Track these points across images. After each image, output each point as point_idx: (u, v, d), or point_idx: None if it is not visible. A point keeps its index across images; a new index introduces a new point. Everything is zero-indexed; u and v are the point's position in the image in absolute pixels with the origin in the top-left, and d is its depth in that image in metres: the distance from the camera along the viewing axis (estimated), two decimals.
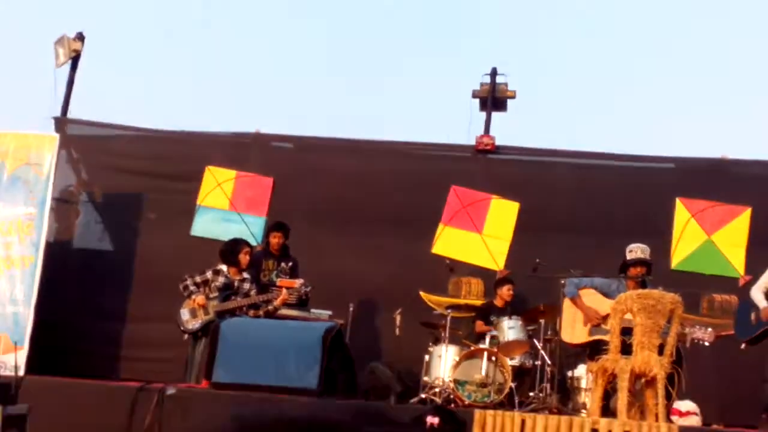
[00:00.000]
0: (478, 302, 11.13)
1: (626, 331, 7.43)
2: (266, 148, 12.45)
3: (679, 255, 11.47)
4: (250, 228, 11.70)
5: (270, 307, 9.21)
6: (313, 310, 9.87)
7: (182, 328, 9.17)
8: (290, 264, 10.08)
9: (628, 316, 7.34)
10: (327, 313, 9.88)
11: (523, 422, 6.42)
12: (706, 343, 8.50)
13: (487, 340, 9.66)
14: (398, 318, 10.21)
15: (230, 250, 9.46)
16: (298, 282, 9.55)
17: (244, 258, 9.40)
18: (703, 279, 11.29)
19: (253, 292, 9.29)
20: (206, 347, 8.28)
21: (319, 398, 6.90)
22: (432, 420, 2.94)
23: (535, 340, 9.72)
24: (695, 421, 8.63)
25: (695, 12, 21.81)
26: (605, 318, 8.46)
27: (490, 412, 6.69)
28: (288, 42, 23.11)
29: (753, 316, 8.98)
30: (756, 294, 9.03)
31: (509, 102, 12.51)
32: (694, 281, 11.19)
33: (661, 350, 7.18)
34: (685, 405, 8.67)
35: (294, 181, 12.00)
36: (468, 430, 6.24)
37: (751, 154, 12.40)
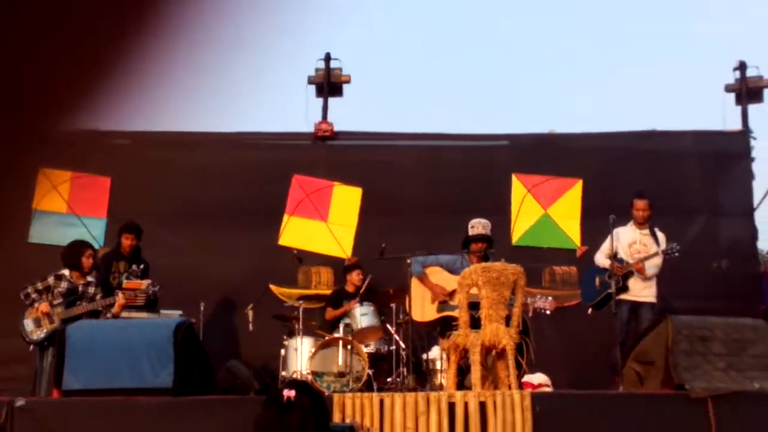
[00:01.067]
0: (328, 291, 11.12)
1: (473, 306, 7.47)
2: (102, 146, 11.94)
3: (519, 230, 11.78)
4: (90, 230, 11.25)
5: (109, 315, 8.89)
6: (162, 311, 9.60)
7: (27, 340, 8.75)
8: (141, 266, 9.77)
9: (474, 290, 7.39)
10: (177, 312, 9.60)
11: (381, 402, 6.43)
12: (548, 312, 8.76)
13: (341, 328, 9.66)
14: (250, 313, 10.09)
15: (72, 253, 9.09)
16: (144, 283, 9.28)
17: (87, 261, 9.05)
18: (543, 252, 11.66)
19: (98, 296, 8.96)
20: (54, 355, 7.93)
21: (174, 397, 6.69)
22: (288, 393, 2.92)
23: (388, 325, 9.78)
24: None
25: None
26: (452, 294, 8.57)
27: (349, 394, 6.68)
28: None
29: (597, 280, 9.33)
30: (600, 258, 9.39)
31: (345, 87, 12.47)
32: (535, 255, 11.54)
33: (507, 321, 7.26)
34: (537, 377, 8.89)
35: (134, 178, 11.60)
36: (329, 413, 6.20)
37: (578, 128, 12.90)
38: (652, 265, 9.15)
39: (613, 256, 9.20)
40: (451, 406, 6.37)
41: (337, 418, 6.23)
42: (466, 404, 6.38)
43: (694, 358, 6.76)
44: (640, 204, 9.37)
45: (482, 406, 6.37)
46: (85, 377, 6.87)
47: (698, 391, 6.47)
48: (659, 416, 6.52)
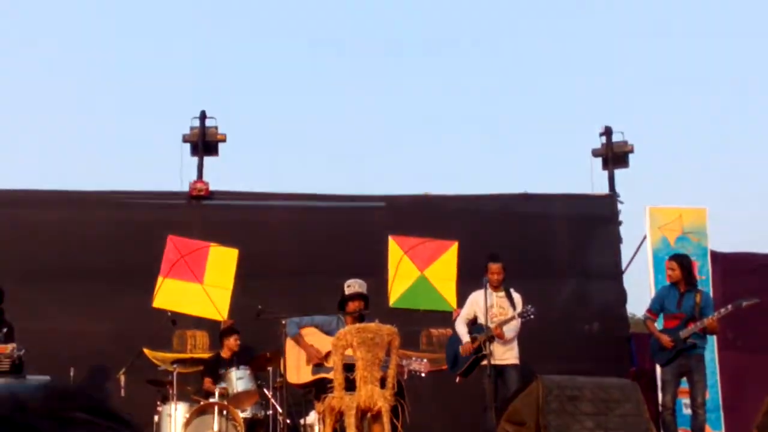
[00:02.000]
0: (205, 355, 10.95)
1: (349, 368, 7.47)
2: None
3: (396, 292, 11.79)
4: None
5: None
6: (29, 377, 9.28)
7: None
8: (5, 329, 9.42)
9: (349, 351, 7.37)
10: (45, 378, 9.28)
11: None
12: (422, 374, 8.80)
13: (216, 392, 9.49)
14: (122, 378, 9.78)
15: None
16: (9, 347, 8.94)
17: None
18: (420, 315, 11.72)
19: None
20: None
21: None
22: None
23: (265, 389, 9.67)
24: None
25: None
26: (327, 355, 8.53)
27: None
28: None
29: (461, 349, 9.44)
30: (459, 327, 9.53)
31: (220, 146, 12.42)
32: (411, 317, 11.59)
33: (383, 383, 7.26)
34: None
35: (0, 238, 11.26)
36: None
37: (452, 190, 13.13)
38: (510, 329, 9.31)
39: (473, 322, 9.34)
40: None
41: None
42: None
43: (563, 418, 6.88)
44: (494, 267, 9.52)
45: None
46: None
47: None
48: None
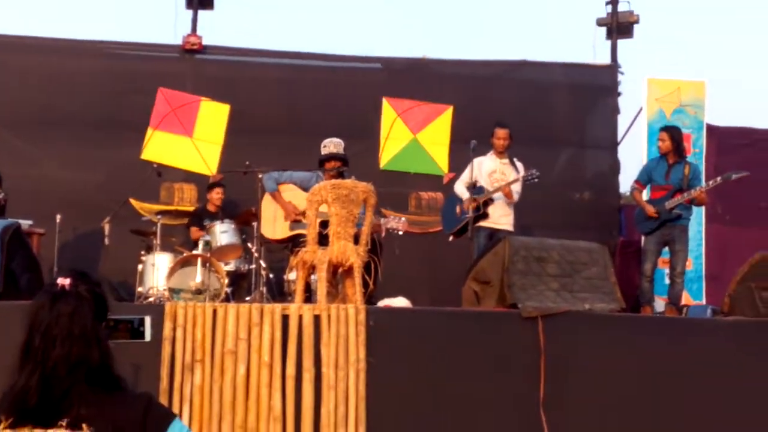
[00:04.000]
0: (191, 208, 10.97)
1: (325, 224, 7.42)
2: None
3: (387, 154, 11.78)
4: None
5: None
6: (10, 220, 9.33)
7: None
8: None
9: (324, 208, 7.34)
10: (28, 222, 9.31)
11: (215, 312, 6.36)
12: (400, 232, 8.77)
13: (200, 245, 9.54)
14: (107, 227, 9.83)
15: None
16: None
17: None
18: (411, 177, 11.71)
19: None
20: None
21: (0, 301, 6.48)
22: (63, 281, 2.86)
23: (249, 244, 9.71)
24: None
25: None
26: (304, 212, 8.47)
27: (181, 303, 6.56)
28: None
29: (458, 209, 9.43)
30: (459, 188, 9.49)
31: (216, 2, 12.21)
32: (402, 180, 11.61)
33: (356, 240, 7.25)
34: (398, 301, 8.91)
35: None
36: (160, 324, 6.11)
37: (451, 54, 12.90)
38: (514, 191, 9.28)
39: (473, 186, 9.31)
40: (286, 319, 6.35)
41: (167, 327, 6.14)
42: (300, 317, 6.36)
43: (528, 278, 6.86)
44: (500, 133, 9.47)
45: (317, 319, 6.36)
46: None
47: (530, 310, 6.59)
48: (492, 334, 6.60)
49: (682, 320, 8.39)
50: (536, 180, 9.29)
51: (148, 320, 3.21)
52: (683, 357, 6.78)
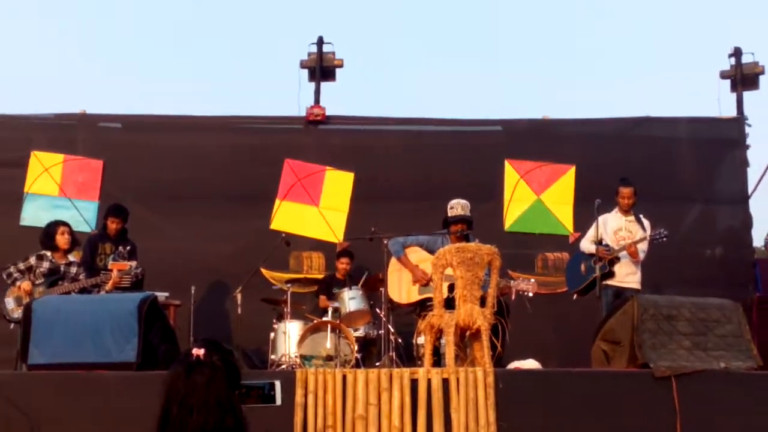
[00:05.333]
0: (319, 276, 11.16)
1: (451, 288, 7.44)
2: (94, 129, 12.05)
3: (512, 216, 11.79)
4: (82, 213, 11.33)
5: (102, 292, 8.94)
6: (148, 293, 9.66)
7: (8, 318, 8.79)
8: (128, 248, 9.78)
9: (449, 271, 7.36)
10: (164, 294, 9.63)
11: (344, 378, 6.44)
12: (530, 294, 8.73)
13: (330, 312, 9.69)
14: (239, 297, 10.12)
15: (46, 233, 9.11)
16: (129, 264, 9.27)
17: (61, 239, 9.05)
18: (536, 238, 11.67)
19: (81, 276, 9.01)
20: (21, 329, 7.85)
21: (138, 371, 6.70)
22: (197, 351, 2.95)
23: (377, 309, 9.81)
24: None
25: None
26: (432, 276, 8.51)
27: (312, 370, 6.69)
28: (101, 21, 22.47)
29: (583, 266, 9.34)
30: (585, 245, 9.41)
31: (338, 71, 12.49)
32: (527, 241, 11.57)
33: (483, 302, 7.25)
34: (528, 363, 8.84)
35: (125, 162, 11.69)
36: (292, 390, 6.22)
37: (572, 114, 12.88)
38: (639, 250, 9.15)
39: (599, 243, 9.22)
40: (415, 383, 6.39)
41: (299, 393, 6.25)
42: (429, 381, 6.40)
43: (659, 337, 6.74)
44: (625, 191, 9.37)
45: (445, 383, 6.38)
46: (49, 351, 6.85)
47: (662, 369, 6.46)
48: (624, 394, 6.50)
49: None
50: (664, 239, 9.14)
51: (278, 385, 3.31)
52: None
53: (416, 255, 9.07)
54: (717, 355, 6.76)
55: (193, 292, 10.24)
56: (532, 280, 8.99)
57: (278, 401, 3.43)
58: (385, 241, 9.02)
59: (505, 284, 8.47)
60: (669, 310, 6.90)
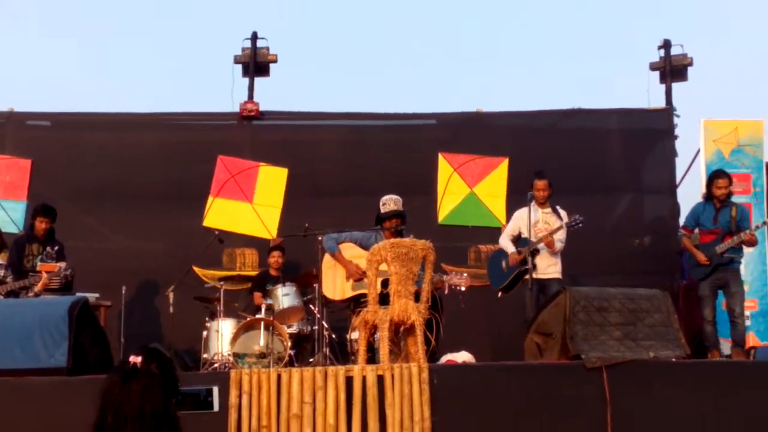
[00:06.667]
0: (252, 273, 11.10)
1: (385, 283, 7.41)
2: (22, 127, 11.84)
3: (445, 209, 11.84)
4: (10, 214, 11.11)
5: (30, 294, 8.79)
6: (79, 295, 9.52)
7: None
8: (56, 248, 9.62)
9: (383, 266, 7.34)
10: (95, 295, 9.49)
11: (279, 377, 6.41)
12: (462, 289, 8.76)
13: (263, 309, 9.63)
14: (171, 296, 10.00)
15: None
16: (59, 265, 9.13)
17: None
18: (469, 231, 11.73)
19: (9, 279, 8.84)
20: None
21: (69, 376, 6.58)
22: (134, 359, 2.93)
23: (311, 306, 9.78)
24: None
25: None
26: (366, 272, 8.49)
27: (246, 370, 6.65)
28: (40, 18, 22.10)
29: (503, 263, 9.39)
30: (504, 241, 9.47)
31: (272, 66, 12.42)
32: (461, 234, 11.63)
33: (417, 297, 7.27)
34: (462, 356, 8.89)
35: (54, 160, 11.53)
36: (226, 391, 6.18)
37: (505, 107, 12.97)
38: (557, 240, 9.20)
39: (517, 238, 9.29)
40: (350, 380, 6.38)
41: (233, 395, 6.21)
42: (364, 378, 6.39)
43: (590, 329, 6.82)
44: (539, 184, 9.40)
45: (380, 379, 6.39)
46: None
47: (593, 360, 6.54)
48: (556, 386, 6.56)
49: (753, 364, 8.27)
50: (580, 225, 9.17)
51: (215, 391, 3.28)
52: (755, 401, 6.65)
53: (351, 251, 9.04)
54: (647, 344, 6.85)
55: (123, 292, 10.09)
56: (465, 274, 9.04)
57: (216, 407, 3.39)
58: (320, 238, 8.98)
59: (438, 279, 8.47)
60: (600, 301, 6.98)
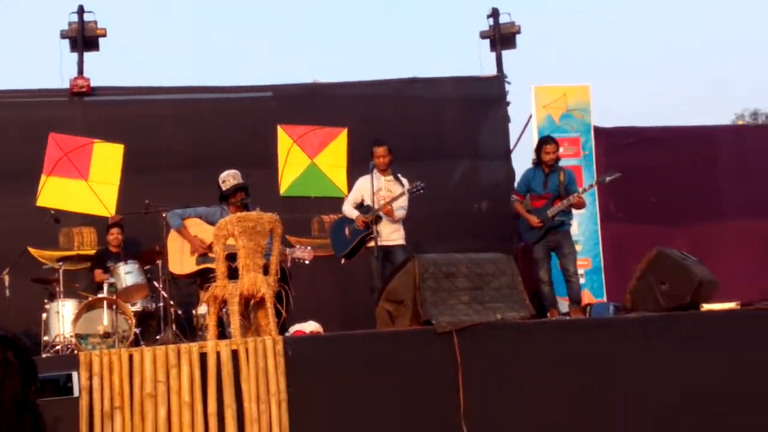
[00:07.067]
0: (92, 252, 10.83)
1: (232, 257, 7.41)
2: None
3: (287, 181, 11.85)
4: None
5: None
6: None
7: None
8: None
9: (231, 241, 7.32)
10: None
11: (130, 357, 6.31)
12: (306, 262, 8.85)
13: (105, 288, 9.42)
14: (7, 278, 9.71)
15: None
16: None
17: None
18: (312, 202, 11.77)
19: None
20: None
21: None
22: None
23: (155, 282, 9.65)
24: None
25: None
26: (211, 246, 8.42)
27: (96, 352, 6.48)
28: None
29: (347, 230, 9.46)
30: (347, 208, 9.53)
31: (101, 41, 12.08)
32: (303, 205, 11.65)
33: (266, 270, 7.28)
34: (309, 326, 8.95)
35: None
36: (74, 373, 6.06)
37: (342, 77, 13.04)
38: (399, 207, 9.31)
39: (359, 206, 9.38)
40: (203, 357, 6.34)
41: (83, 377, 6.07)
42: (218, 354, 6.36)
43: (440, 294, 6.99)
44: (379, 151, 9.44)
45: (235, 354, 6.37)
46: None
47: (444, 325, 6.70)
48: (409, 352, 6.69)
49: (593, 321, 8.67)
50: (422, 191, 9.28)
51: (75, 376, 3.22)
52: (596, 356, 6.97)
53: (197, 228, 8.95)
54: (494, 307, 7.07)
55: None
56: (309, 247, 9.10)
57: (76, 393, 3.32)
58: (164, 214, 8.85)
59: (281, 251, 8.47)
60: (448, 267, 7.15)
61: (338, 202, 11.58)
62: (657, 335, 7.18)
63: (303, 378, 6.41)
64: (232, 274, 7.36)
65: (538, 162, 9.56)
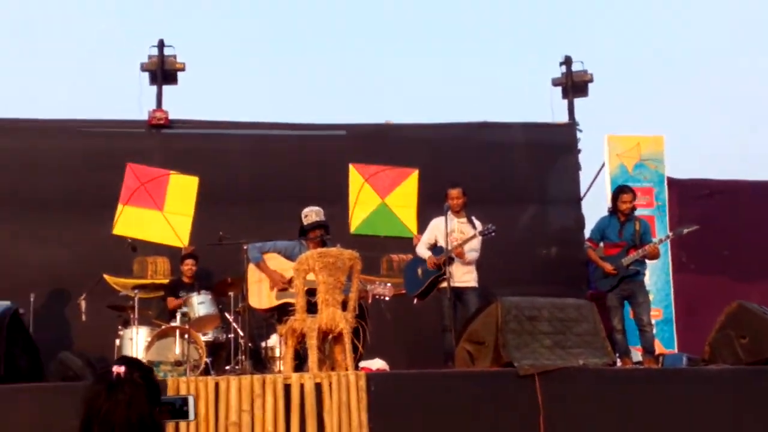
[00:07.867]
0: (165, 281, 10.98)
1: (311, 292, 7.49)
2: None
3: (357, 219, 11.94)
4: None
5: None
6: (7, 304, 9.27)
7: None
8: None
9: (311, 276, 7.41)
10: (5, 304, 9.25)
11: (216, 385, 6.39)
12: (387, 298, 8.88)
13: (178, 317, 9.55)
14: (83, 304, 9.85)
15: None
16: None
17: None
18: (381, 241, 11.82)
19: None
20: None
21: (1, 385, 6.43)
22: (118, 369, 2.94)
23: (227, 314, 9.75)
24: None
25: None
26: (290, 281, 8.52)
27: (183, 379, 6.60)
28: None
29: (420, 271, 9.53)
30: (421, 249, 9.60)
31: (180, 75, 12.32)
32: (372, 244, 11.68)
33: (344, 306, 7.34)
34: (375, 363, 9.02)
35: None
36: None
37: (414, 118, 13.15)
38: (471, 249, 9.35)
39: (433, 247, 9.44)
40: (287, 389, 6.40)
41: None
42: (302, 386, 6.42)
43: (522, 337, 7.01)
44: (453, 193, 9.53)
45: (318, 387, 6.42)
46: None
47: (526, 368, 6.72)
48: (490, 393, 6.72)
49: (674, 370, 8.62)
50: (493, 234, 9.31)
51: (191, 400, 3.27)
52: (678, 406, 6.92)
53: (275, 261, 9.02)
54: (576, 352, 7.07)
55: (32, 300, 9.87)
56: (389, 284, 9.12)
57: (191, 416, 3.36)
58: (245, 247, 8.96)
59: (362, 288, 8.55)
60: (530, 311, 7.17)
61: (407, 241, 11.67)
62: (741, 389, 7.12)
63: (384, 414, 6.45)
64: (311, 308, 7.44)
65: (614, 210, 9.57)
